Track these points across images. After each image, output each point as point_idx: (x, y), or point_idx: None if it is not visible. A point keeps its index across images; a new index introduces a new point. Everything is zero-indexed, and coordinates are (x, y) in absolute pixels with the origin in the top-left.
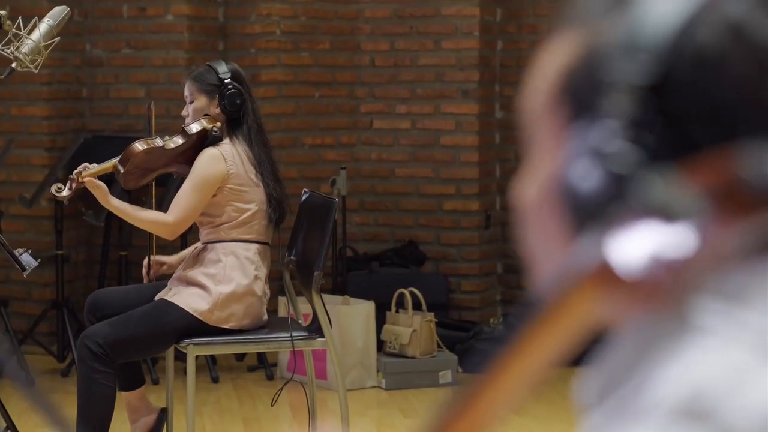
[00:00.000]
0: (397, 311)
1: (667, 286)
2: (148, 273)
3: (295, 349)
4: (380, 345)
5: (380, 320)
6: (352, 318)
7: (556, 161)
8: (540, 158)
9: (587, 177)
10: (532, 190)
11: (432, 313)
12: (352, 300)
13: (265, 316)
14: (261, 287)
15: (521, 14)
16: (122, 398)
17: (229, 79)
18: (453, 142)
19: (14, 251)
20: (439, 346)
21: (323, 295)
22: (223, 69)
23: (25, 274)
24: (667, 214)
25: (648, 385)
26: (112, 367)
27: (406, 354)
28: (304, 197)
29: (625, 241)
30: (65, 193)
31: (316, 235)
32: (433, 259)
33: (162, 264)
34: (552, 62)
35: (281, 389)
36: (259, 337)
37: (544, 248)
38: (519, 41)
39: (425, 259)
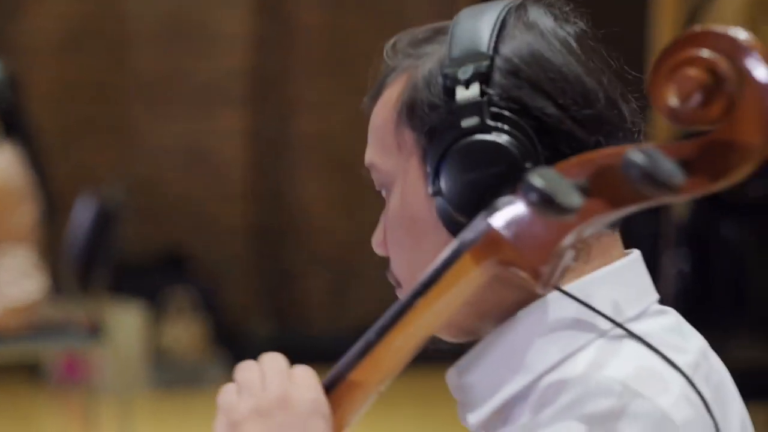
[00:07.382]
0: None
1: (543, 259)
2: None
3: None
4: None
5: None
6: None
7: (418, 177)
8: (400, 182)
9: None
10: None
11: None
12: None
13: None
14: None
15: None
16: None
17: None
18: None
19: None
20: None
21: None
22: None
23: None
24: (550, 199)
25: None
26: None
27: None
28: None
29: (507, 211)
30: None
31: None
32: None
33: None
34: (386, 101)
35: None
36: None
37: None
38: None
39: None
